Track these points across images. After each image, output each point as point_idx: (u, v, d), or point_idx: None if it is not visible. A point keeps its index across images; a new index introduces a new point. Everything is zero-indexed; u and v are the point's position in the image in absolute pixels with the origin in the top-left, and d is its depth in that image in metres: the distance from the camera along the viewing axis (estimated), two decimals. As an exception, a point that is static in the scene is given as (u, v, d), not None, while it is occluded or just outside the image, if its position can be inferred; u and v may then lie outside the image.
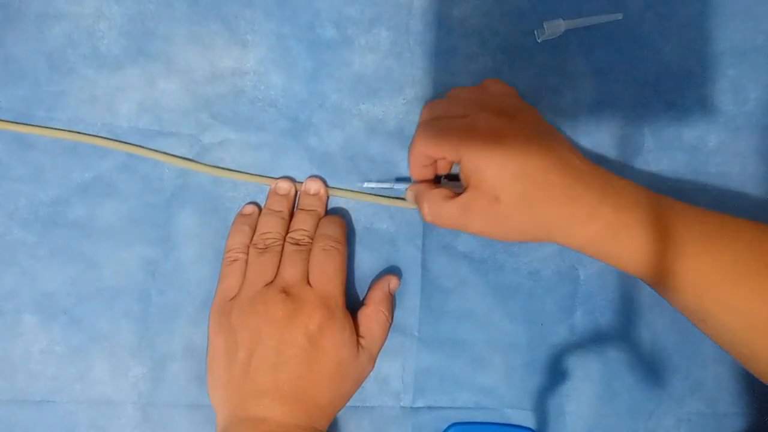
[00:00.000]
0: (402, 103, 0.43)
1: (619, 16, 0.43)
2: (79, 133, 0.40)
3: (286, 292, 0.37)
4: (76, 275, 0.40)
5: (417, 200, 0.40)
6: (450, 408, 0.43)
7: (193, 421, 0.41)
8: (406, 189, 0.41)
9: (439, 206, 0.38)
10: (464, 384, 0.43)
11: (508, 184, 0.35)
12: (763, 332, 0.34)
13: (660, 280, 0.36)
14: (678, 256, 0.35)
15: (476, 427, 0.42)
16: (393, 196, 0.42)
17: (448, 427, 0.42)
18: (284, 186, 0.41)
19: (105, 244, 0.41)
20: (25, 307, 0.40)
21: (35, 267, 0.40)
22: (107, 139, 0.41)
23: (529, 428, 0.43)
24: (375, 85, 0.43)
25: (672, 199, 0.37)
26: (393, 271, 0.42)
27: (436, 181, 0.41)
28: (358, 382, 0.39)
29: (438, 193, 0.38)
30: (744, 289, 0.34)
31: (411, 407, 0.42)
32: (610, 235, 0.35)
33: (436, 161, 0.40)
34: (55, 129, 0.40)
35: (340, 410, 0.39)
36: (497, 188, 0.35)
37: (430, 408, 0.43)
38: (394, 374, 0.42)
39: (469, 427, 0.42)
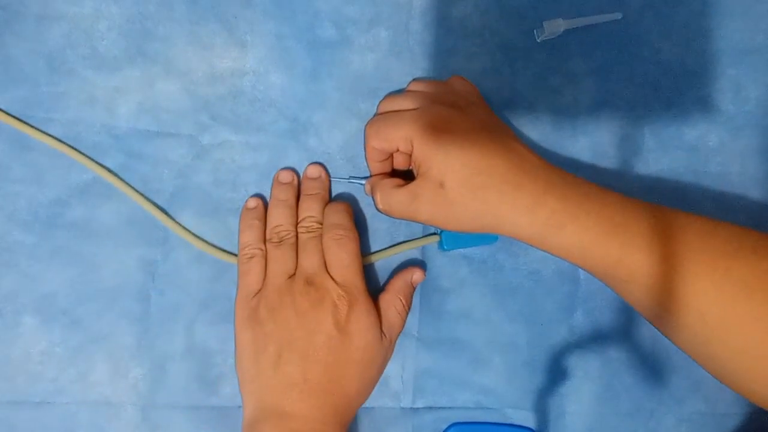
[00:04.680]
0: (401, 103, 0.43)
1: (619, 16, 0.43)
2: (65, 144, 0.40)
3: (309, 282, 0.38)
4: (75, 276, 0.40)
5: (372, 191, 0.40)
6: (450, 408, 0.43)
7: (192, 422, 0.41)
8: (365, 182, 0.42)
9: (390, 194, 0.38)
10: (464, 384, 0.43)
11: (453, 170, 0.35)
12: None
13: (608, 271, 0.36)
14: (627, 246, 0.35)
15: (476, 427, 0.42)
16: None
17: (448, 427, 0.42)
18: (286, 175, 0.42)
19: (104, 245, 0.40)
20: (24, 308, 0.40)
21: (35, 268, 0.40)
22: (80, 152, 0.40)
23: (529, 428, 0.43)
24: (375, 85, 0.43)
25: (617, 193, 0.37)
26: (390, 272, 0.42)
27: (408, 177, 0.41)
28: (382, 368, 0.40)
29: (389, 182, 0.39)
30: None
31: (411, 407, 0.42)
32: (556, 225, 0.35)
33: (391, 155, 0.40)
34: (50, 136, 0.40)
35: (365, 400, 0.39)
36: (443, 174, 0.36)
37: (430, 408, 0.42)
38: (394, 375, 0.42)
39: (469, 427, 0.42)
